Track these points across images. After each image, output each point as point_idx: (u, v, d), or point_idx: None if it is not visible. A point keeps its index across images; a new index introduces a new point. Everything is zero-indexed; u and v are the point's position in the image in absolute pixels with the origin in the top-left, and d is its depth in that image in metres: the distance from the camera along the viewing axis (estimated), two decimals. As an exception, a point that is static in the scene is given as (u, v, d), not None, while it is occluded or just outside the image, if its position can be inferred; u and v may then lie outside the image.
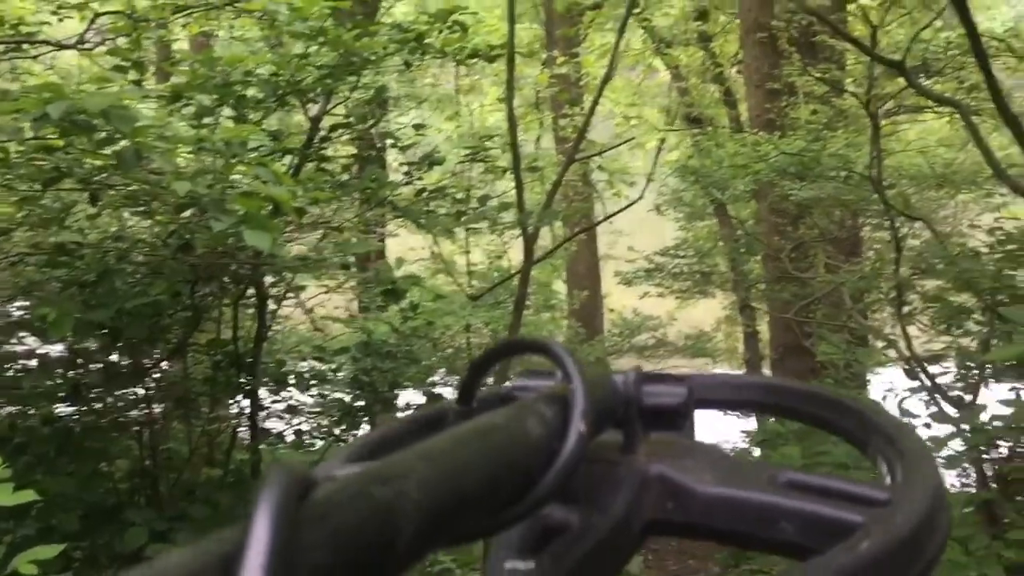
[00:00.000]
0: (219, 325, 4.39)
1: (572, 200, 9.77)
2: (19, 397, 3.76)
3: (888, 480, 0.44)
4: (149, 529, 3.44)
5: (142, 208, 3.49)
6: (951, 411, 4.32)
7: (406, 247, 8.58)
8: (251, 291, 4.28)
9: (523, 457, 0.37)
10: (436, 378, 5.98)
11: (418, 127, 4.96)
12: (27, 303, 3.87)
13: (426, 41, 4.15)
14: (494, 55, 4.61)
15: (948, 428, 3.74)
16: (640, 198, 7.57)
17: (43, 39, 4.57)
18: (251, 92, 3.78)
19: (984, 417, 3.80)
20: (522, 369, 0.50)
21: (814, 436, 3.31)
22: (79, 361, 3.95)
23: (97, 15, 4.41)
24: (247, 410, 4.35)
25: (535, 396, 0.42)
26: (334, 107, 4.49)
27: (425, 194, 4.56)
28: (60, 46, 4.71)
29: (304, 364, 4.87)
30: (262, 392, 4.45)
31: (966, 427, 3.59)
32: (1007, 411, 3.67)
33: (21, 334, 3.99)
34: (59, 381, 3.91)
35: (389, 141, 5.03)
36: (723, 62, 10.51)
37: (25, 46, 4.59)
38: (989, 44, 6.22)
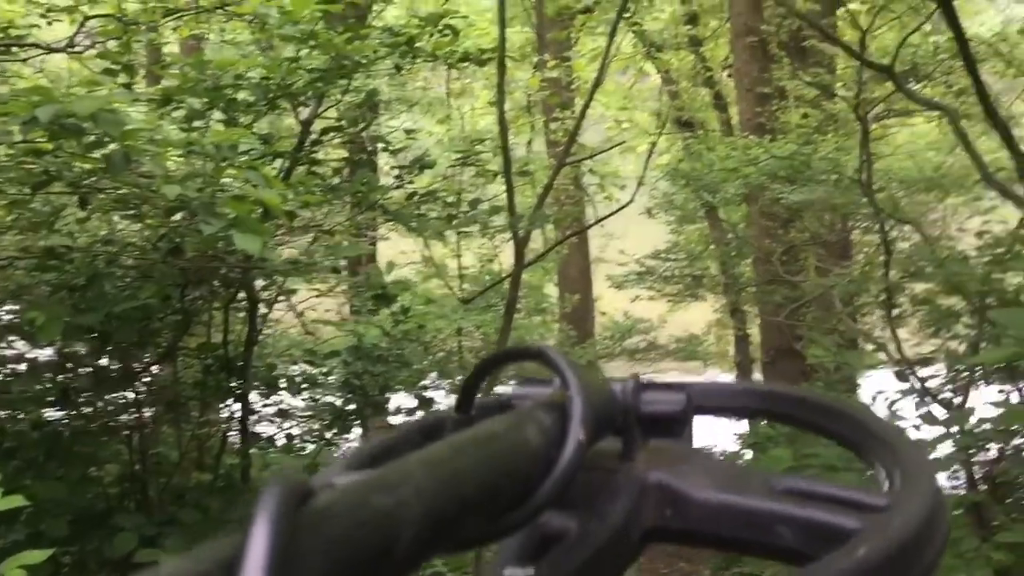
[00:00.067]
0: (209, 329, 4.38)
1: (563, 204, 9.78)
2: (8, 401, 3.75)
3: (886, 486, 0.45)
4: (138, 534, 3.43)
5: (132, 212, 3.48)
6: (941, 413, 4.33)
7: (397, 250, 8.57)
8: (242, 295, 4.27)
9: (522, 465, 0.38)
10: (427, 382, 5.98)
11: (409, 131, 4.96)
12: (16, 307, 3.85)
13: (417, 45, 4.15)
14: (485, 59, 4.61)
15: (938, 430, 3.75)
16: (631, 201, 7.57)
17: (32, 42, 4.55)
18: (242, 95, 3.77)
19: (973, 419, 3.82)
20: (518, 375, 0.50)
21: (804, 438, 3.32)
22: (68, 365, 3.94)
23: (87, 18, 4.40)
24: (237, 414, 4.34)
25: (534, 404, 0.42)
26: (325, 110, 4.49)
27: (416, 197, 4.56)
28: (50, 49, 4.69)
29: (295, 368, 4.86)
30: (253, 396, 4.44)
31: (955, 429, 3.60)
32: (996, 413, 3.68)
33: (10, 338, 3.97)
34: (48, 385, 3.89)
35: (380, 144, 5.03)
36: (714, 66, 10.54)
37: (14, 49, 4.57)
38: (977, 48, 6.26)
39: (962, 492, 4.33)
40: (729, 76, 10.05)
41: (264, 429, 4.72)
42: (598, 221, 7.81)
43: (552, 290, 11.32)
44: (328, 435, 4.89)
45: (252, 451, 4.38)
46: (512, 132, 9.90)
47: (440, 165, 5.32)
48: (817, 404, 0.53)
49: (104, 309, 3.30)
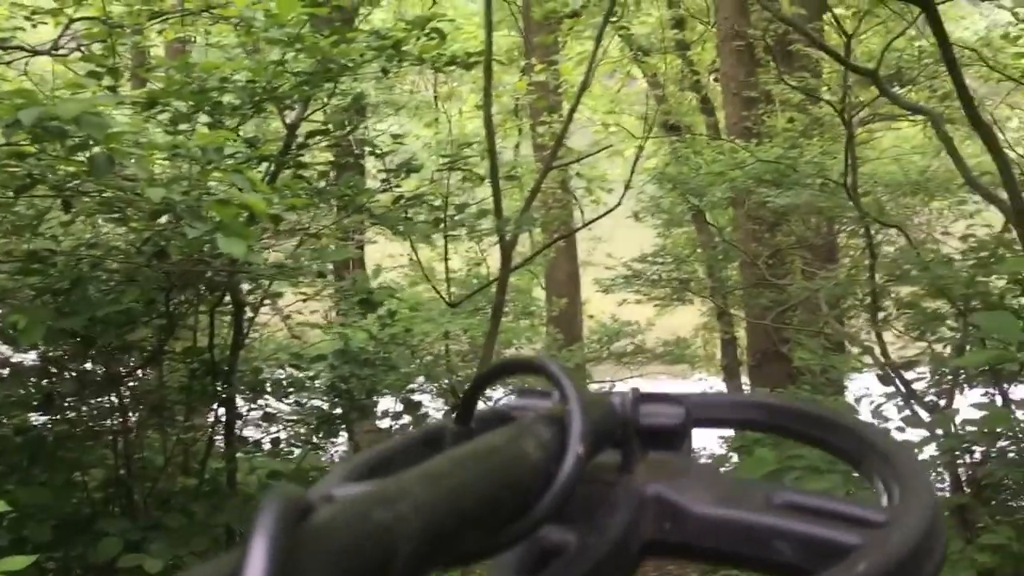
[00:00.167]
0: (195, 333, 4.36)
1: (551, 207, 9.79)
2: (-9, 406, 3.72)
3: (885, 501, 0.45)
4: (123, 539, 3.41)
5: (116, 215, 3.47)
6: (925, 416, 4.36)
7: (385, 254, 8.56)
8: (227, 298, 4.26)
9: (521, 479, 0.38)
10: (414, 385, 5.97)
11: (396, 136, 4.95)
12: (-1, 311, 3.83)
13: (404, 48, 4.15)
14: (472, 62, 4.61)
15: (922, 433, 3.77)
16: (618, 205, 7.59)
17: (17, 44, 4.53)
18: (227, 99, 3.76)
19: (957, 421, 3.84)
20: (518, 387, 0.50)
21: (789, 440, 3.32)
22: (52, 369, 3.92)
23: (72, 21, 4.38)
24: (223, 418, 4.32)
25: (533, 417, 0.42)
26: (311, 114, 4.48)
27: (403, 201, 4.56)
28: (34, 52, 4.66)
29: (281, 372, 4.85)
30: (239, 400, 4.42)
31: (940, 432, 3.62)
32: (980, 415, 3.70)
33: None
34: (32, 390, 3.86)
35: (367, 148, 5.02)
36: (700, 70, 10.57)
37: (-2, 51, 4.55)
38: (961, 53, 6.30)
39: (947, 494, 4.35)
40: (716, 80, 10.08)
41: (250, 433, 4.70)
42: (585, 225, 7.82)
43: (540, 293, 11.32)
44: (315, 439, 4.88)
45: (238, 455, 4.36)
46: (499, 136, 9.91)
47: (427, 169, 5.32)
48: (816, 417, 0.53)
49: (88, 313, 3.28)
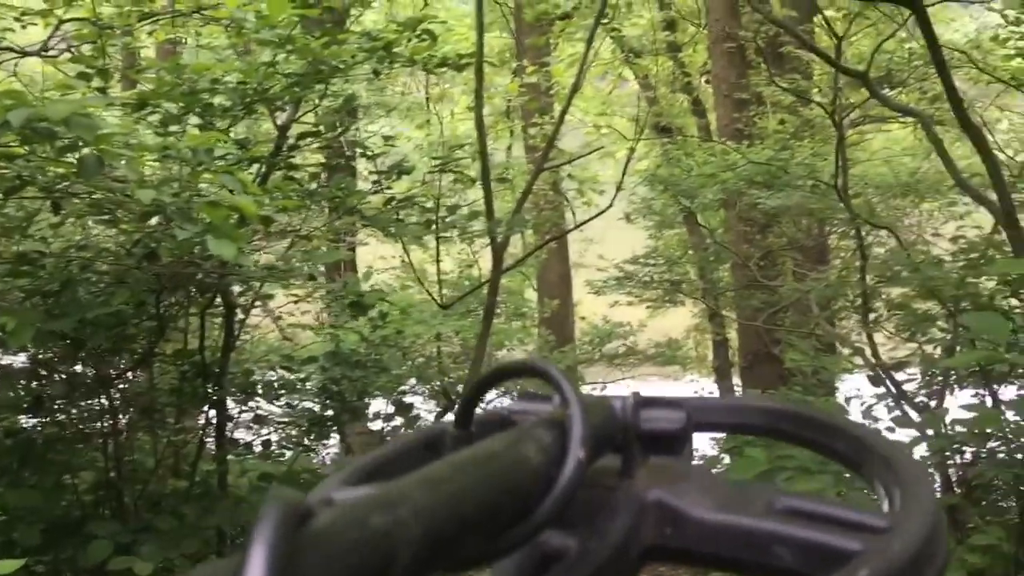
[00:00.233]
0: (186, 335, 4.35)
1: (542, 209, 9.79)
2: (-20, 409, 3.70)
3: (886, 506, 0.44)
4: (113, 542, 3.40)
5: (107, 217, 3.45)
6: (916, 417, 4.37)
7: (377, 255, 8.56)
8: (218, 300, 4.25)
9: (522, 483, 0.37)
10: (406, 387, 5.97)
11: (388, 138, 4.95)
12: (-12, 313, 3.80)
13: (395, 50, 4.14)
14: (463, 64, 4.61)
15: (912, 433, 3.78)
16: (610, 206, 7.59)
17: (6, 46, 4.51)
18: (218, 100, 3.75)
19: (947, 422, 3.85)
20: (520, 391, 0.50)
21: (780, 442, 3.33)
22: (42, 372, 3.90)
23: (61, 22, 4.36)
24: (214, 420, 4.31)
25: (533, 422, 0.42)
26: (302, 115, 4.47)
27: (394, 203, 4.56)
28: (23, 53, 4.64)
29: (272, 374, 4.84)
30: (229, 402, 4.41)
31: (930, 432, 3.63)
32: (969, 416, 3.72)
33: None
34: (21, 392, 3.85)
35: (358, 150, 5.02)
36: (692, 72, 10.59)
37: (-12, 53, 4.53)
38: (951, 55, 6.33)
39: (937, 495, 4.36)
40: (707, 82, 10.10)
41: (241, 435, 4.69)
42: (577, 226, 7.83)
43: (532, 295, 11.33)
44: (306, 441, 4.87)
45: (229, 457, 4.35)
46: (491, 137, 9.91)
47: (419, 170, 5.32)
48: (817, 421, 0.53)
49: (77, 315, 3.27)
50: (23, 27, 4.53)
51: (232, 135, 3.99)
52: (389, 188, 4.65)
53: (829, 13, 7.07)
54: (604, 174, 9.58)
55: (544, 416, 0.42)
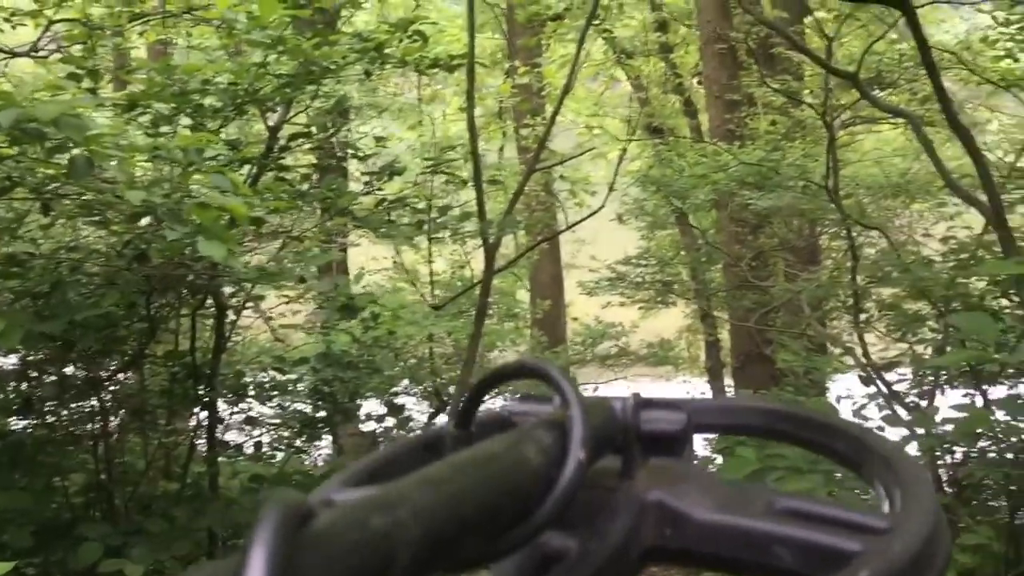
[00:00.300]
0: (177, 336, 4.34)
1: (534, 210, 9.79)
2: (-30, 411, 3.69)
3: (886, 507, 0.44)
4: (104, 544, 3.39)
5: (97, 218, 3.44)
6: (906, 416, 4.38)
7: (369, 256, 8.54)
8: (209, 301, 4.24)
9: (522, 484, 0.38)
10: (398, 388, 5.96)
11: (379, 139, 4.95)
12: (-22, 315, 3.78)
13: (386, 51, 4.14)
14: (455, 65, 4.61)
15: (902, 432, 3.79)
16: (602, 207, 7.60)
17: (-4, 46, 4.50)
18: (209, 101, 3.75)
19: (938, 421, 3.86)
20: (520, 393, 0.50)
21: (771, 441, 3.33)
22: (32, 373, 3.88)
23: (51, 22, 4.35)
24: (205, 422, 4.30)
25: (534, 423, 0.42)
26: (294, 116, 4.47)
27: (385, 204, 4.55)
28: (13, 54, 4.63)
29: (264, 375, 4.83)
30: (221, 404, 4.40)
31: (921, 431, 3.64)
32: (960, 416, 3.73)
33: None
34: (11, 394, 3.83)
35: (350, 151, 5.01)
36: (683, 73, 10.61)
37: (-23, 53, 4.51)
38: (941, 56, 6.35)
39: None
40: (699, 83, 10.12)
41: (233, 437, 4.68)
42: (569, 227, 7.83)
43: (524, 296, 11.32)
44: (298, 443, 4.86)
45: (220, 459, 4.34)
46: (483, 138, 9.90)
47: (411, 171, 5.31)
48: (817, 422, 0.53)
49: (67, 316, 3.26)
50: (13, 28, 4.52)
51: (223, 136, 3.98)
52: (380, 189, 4.64)
53: (820, 14, 7.09)
54: (596, 175, 9.58)
55: (544, 417, 0.42)
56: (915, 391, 5.04)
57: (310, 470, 5.04)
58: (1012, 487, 3.81)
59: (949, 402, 4.32)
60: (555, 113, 5.88)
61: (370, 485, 0.40)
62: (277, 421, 4.81)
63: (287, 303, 5.29)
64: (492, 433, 0.41)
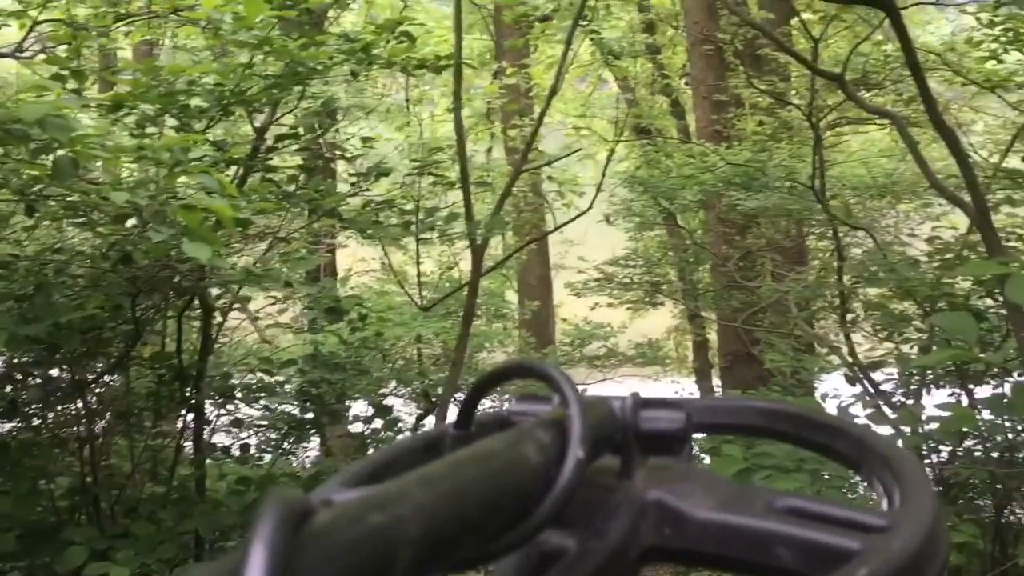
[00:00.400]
0: (163, 338, 4.32)
1: (522, 211, 9.79)
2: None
3: (885, 504, 0.45)
4: (89, 548, 3.37)
5: (82, 219, 3.43)
6: (892, 415, 4.40)
7: (357, 258, 8.53)
8: (196, 303, 4.22)
9: (521, 483, 0.38)
10: (386, 390, 5.95)
11: (366, 139, 4.94)
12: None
13: (373, 52, 4.13)
14: (442, 66, 4.61)
15: (887, 430, 3.80)
16: (590, 208, 7.61)
17: (-20, 47, 4.47)
18: (195, 102, 3.73)
19: (924, 420, 3.88)
20: (520, 393, 0.50)
21: (757, 439, 3.35)
22: (16, 376, 3.86)
23: (36, 23, 4.32)
24: (192, 424, 4.28)
25: (533, 422, 0.42)
26: (280, 117, 4.45)
27: (372, 205, 4.54)
28: (-2, 54, 4.60)
29: (251, 377, 4.81)
30: (208, 406, 4.38)
31: (906, 429, 3.66)
32: (945, 415, 3.75)
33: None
34: (-4, 397, 3.81)
35: (338, 151, 5.00)
36: (671, 74, 10.63)
37: (-39, 54, 4.48)
38: (926, 57, 6.39)
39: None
40: (686, 84, 10.15)
41: (220, 439, 4.66)
42: (557, 228, 7.83)
43: (512, 297, 11.33)
44: (285, 444, 4.85)
45: (207, 462, 4.32)
46: (471, 139, 9.90)
47: (399, 172, 5.31)
48: (817, 422, 0.53)
49: (52, 319, 3.24)
50: (-3, 28, 4.49)
51: (209, 137, 3.97)
52: (368, 190, 4.63)
53: (806, 16, 7.12)
54: (584, 176, 9.59)
55: (543, 417, 0.42)
56: (901, 391, 5.06)
57: (298, 472, 5.03)
58: (997, 486, 3.83)
59: (935, 402, 4.34)
60: (543, 114, 5.88)
61: (370, 485, 0.40)
62: (264, 423, 4.79)
63: (274, 304, 5.28)
64: (491, 433, 0.41)
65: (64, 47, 4.04)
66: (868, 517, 0.42)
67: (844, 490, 3.60)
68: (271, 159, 4.29)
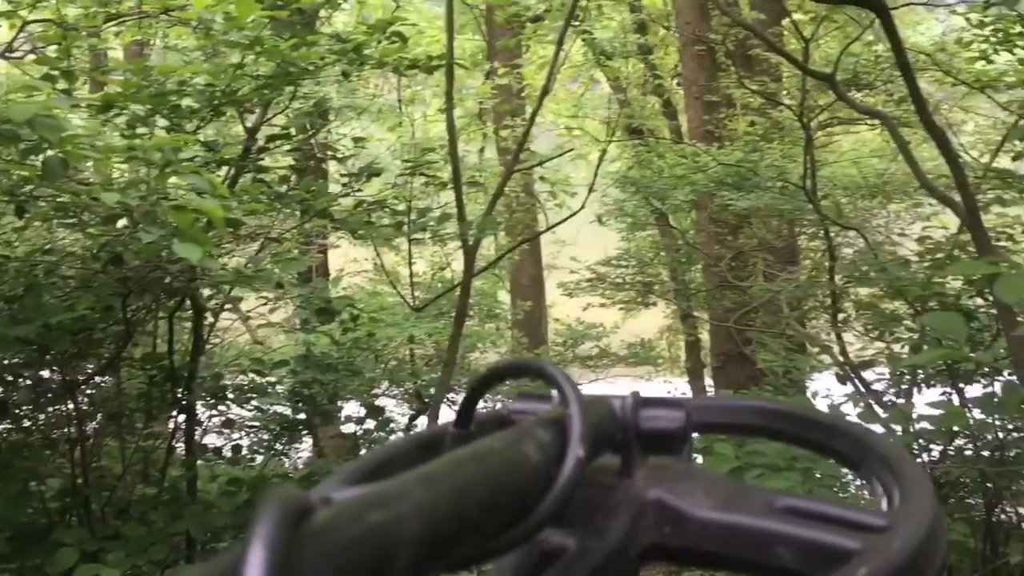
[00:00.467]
0: (155, 339, 4.31)
1: (515, 211, 9.80)
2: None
3: (885, 504, 0.45)
4: (80, 549, 3.36)
5: (72, 220, 3.41)
6: (883, 414, 4.41)
7: (349, 258, 8.52)
8: (187, 304, 4.21)
9: (521, 482, 0.38)
10: (379, 390, 5.95)
11: (358, 140, 4.93)
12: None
13: (365, 52, 4.13)
14: (433, 66, 4.60)
15: (878, 429, 3.82)
16: (582, 208, 7.61)
17: (-31, 47, 4.45)
18: (186, 102, 3.72)
19: (915, 419, 3.89)
20: (520, 392, 0.50)
21: (748, 438, 3.35)
22: (7, 377, 3.84)
23: (26, 23, 4.30)
24: (183, 425, 4.27)
25: (533, 420, 0.42)
26: (272, 117, 4.45)
27: (364, 205, 4.54)
28: (-13, 55, 4.58)
29: (243, 378, 4.80)
30: (199, 407, 4.37)
31: (897, 428, 3.67)
32: (936, 413, 3.76)
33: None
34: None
35: (329, 152, 5.00)
36: (663, 74, 10.64)
37: (-50, 54, 4.46)
38: (917, 58, 6.40)
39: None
40: (678, 84, 10.16)
41: (211, 440, 4.65)
42: (549, 228, 7.83)
43: (505, 297, 11.33)
44: (277, 445, 4.84)
45: (199, 463, 4.31)
46: (463, 139, 9.90)
47: (391, 173, 5.30)
48: (817, 422, 0.53)
49: (42, 320, 3.22)
50: (-13, 28, 4.47)
51: (201, 137, 3.96)
52: (360, 191, 4.63)
53: (797, 16, 7.13)
54: (576, 176, 9.60)
55: (543, 415, 0.42)
56: (892, 390, 5.08)
57: (290, 473, 5.02)
58: (988, 484, 3.85)
59: (926, 401, 4.36)
60: (534, 114, 5.89)
61: (369, 483, 0.40)
62: (256, 424, 4.78)
63: (265, 304, 5.26)
64: (491, 431, 0.41)
65: (54, 47, 4.02)
66: (868, 517, 0.42)
67: (836, 489, 3.61)
68: (262, 159, 4.28)
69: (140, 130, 3.59)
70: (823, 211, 6.44)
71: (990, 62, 5.68)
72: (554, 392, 0.43)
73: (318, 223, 4.64)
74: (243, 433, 4.77)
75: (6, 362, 3.80)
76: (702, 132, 8.40)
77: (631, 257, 10.05)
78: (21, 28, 4.33)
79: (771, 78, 7.73)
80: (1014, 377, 3.74)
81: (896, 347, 5.38)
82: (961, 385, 4.43)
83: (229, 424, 4.60)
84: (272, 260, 4.15)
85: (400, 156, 6.74)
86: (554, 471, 0.39)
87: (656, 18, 10.75)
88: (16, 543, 3.40)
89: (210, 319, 4.44)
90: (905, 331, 5.29)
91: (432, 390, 5.75)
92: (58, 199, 3.15)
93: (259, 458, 4.78)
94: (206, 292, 4.24)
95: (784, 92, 7.84)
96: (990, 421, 3.70)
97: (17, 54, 4.51)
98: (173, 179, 3.05)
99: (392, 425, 5.14)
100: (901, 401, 4.88)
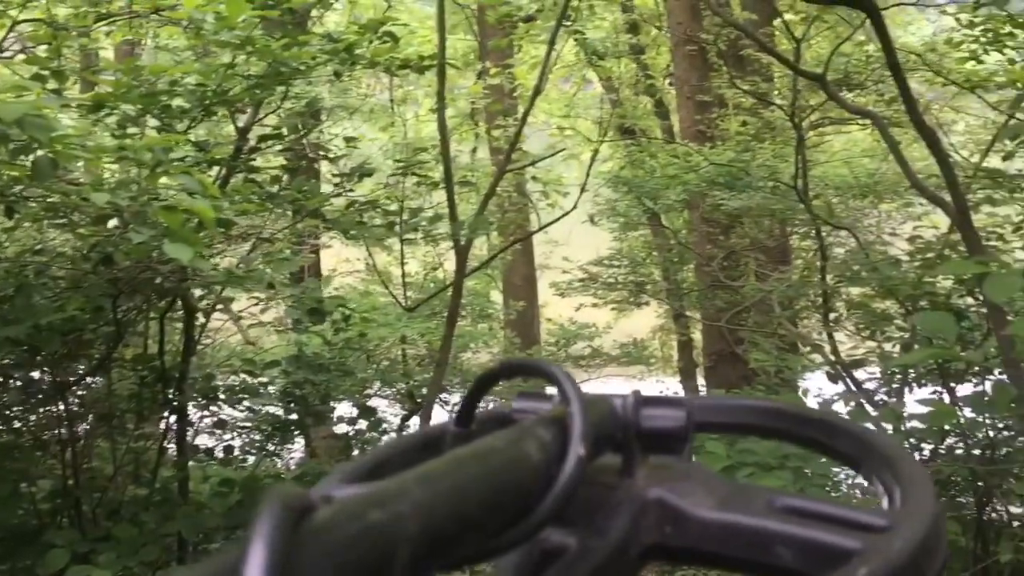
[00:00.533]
0: (146, 339, 4.29)
1: (507, 211, 9.79)
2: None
3: (885, 503, 0.45)
4: (71, 551, 3.35)
5: (62, 220, 3.40)
6: (874, 413, 4.43)
7: (341, 258, 8.51)
8: (178, 304, 4.20)
9: (522, 480, 0.38)
10: (371, 390, 5.94)
11: (349, 139, 4.93)
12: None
13: (356, 52, 4.12)
14: (425, 66, 4.60)
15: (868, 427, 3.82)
16: (574, 208, 7.62)
17: (-42, 47, 4.42)
18: (176, 102, 3.71)
19: (905, 418, 3.90)
20: (520, 391, 0.50)
21: (741, 437, 3.36)
22: (-3, 378, 3.83)
23: (16, 22, 4.29)
24: (175, 426, 4.26)
25: (534, 419, 0.42)
26: (263, 117, 4.44)
27: (356, 205, 4.53)
28: (-23, 54, 4.56)
29: (234, 378, 4.79)
30: (191, 407, 4.36)
31: (888, 427, 3.68)
32: (926, 412, 3.77)
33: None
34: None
35: (321, 152, 4.99)
36: (655, 74, 10.65)
37: (-61, 54, 4.44)
38: (907, 58, 6.42)
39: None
40: (670, 84, 10.17)
41: (203, 441, 4.64)
42: (541, 228, 7.84)
43: (497, 297, 11.33)
44: (269, 446, 4.83)
45: (190, 464, 4.30)
46: (455, 139, 9.90)
47: (383, 173, 5.30)
48: (817, 421, 0.53)
49: (32, 320, 3.21)
50: (-24, 28, 4.45)
51: (191, 137, 3.95)
52: (352, 191, 4.62)
53: (788, 16, 7.15)
54: (568, 176, 9.60)
55: (544, 414, 0.42)
56: (883, 389, 5.10)
57: (282, 474, 5.01)
58: (979, 483, 3.86)
59: (917, 399, 4.37)
60: (526, 114, 5.89)
61: (370, 481, 0.40)
62: (248, 424, 4.78)
63: (257, 304, 5.25)
64: (492, 430, 0.41)
65: (44, 47, 4.00)
66: (868, 516, 0.42)
67: (827, 488, 3.62)
68: (254, 159, 4.28)
69: (131, 130, 3.58)
70: (814, 211, 6.45)
71: (980, 62, 5.69)
72: (554, 391, 0.43)
73: (310, 223, 4.63)
74: (235, 434, 4.77)
75: (-4, 363, 3.79)
76: (694, 132, 8.42)
77: (623, 257, 10.06)
78: (11, 27, 4.31)
79: (762, 78, 7.75)
80: (1004, 376, 3.75)
81: (887, 346, 5.40)
82: (952, 384, 4.45)
83: (221, 425, 4.59)
84: (264, 260, 4.15)
85: (392, 156, 6.74)
86: (555, 470, 0.39)
87: (648, 18, 10.76)
88: (7, 544, 3.40)
89: (201, 319, 4.43)
90: (896, 330, 5.31)
91: (424, 390, 5.74)
92: (48, 199, 3.14)
93: (251, 459, 4.77)
94: (197, 292, 4.22)
95: (775, 92, 7.86)
96: (980, 420, 3.72)
97: (7, 54, 4.49)
98: (164, 179, 3.04)
99: (384, 426, 5.14)
100: (892, 400, 4.89)
